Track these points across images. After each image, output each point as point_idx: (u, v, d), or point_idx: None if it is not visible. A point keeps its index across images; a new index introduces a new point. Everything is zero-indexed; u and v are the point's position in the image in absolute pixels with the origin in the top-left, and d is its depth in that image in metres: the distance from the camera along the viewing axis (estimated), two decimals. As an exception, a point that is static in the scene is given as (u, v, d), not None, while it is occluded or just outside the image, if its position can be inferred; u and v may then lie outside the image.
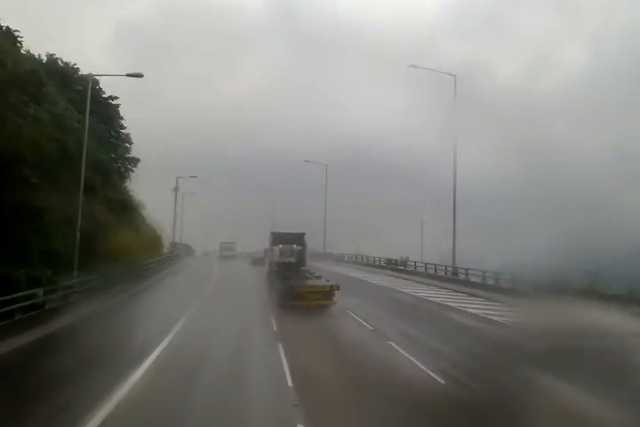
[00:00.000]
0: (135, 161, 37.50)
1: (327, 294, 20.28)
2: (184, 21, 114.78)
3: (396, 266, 42.88)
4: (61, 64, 30.71)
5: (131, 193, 35.39)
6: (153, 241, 38.80)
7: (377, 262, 46.37)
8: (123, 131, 36.23)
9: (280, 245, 26.95)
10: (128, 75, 23.06)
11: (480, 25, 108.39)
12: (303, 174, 61.56)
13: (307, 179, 60.78)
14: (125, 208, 31.69)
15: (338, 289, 20.51)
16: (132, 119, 37.68)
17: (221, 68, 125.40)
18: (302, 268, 26.19)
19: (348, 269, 41.73)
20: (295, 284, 20.96)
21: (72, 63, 30.92)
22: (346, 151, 77.57)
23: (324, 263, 41.41)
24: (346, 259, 54.54)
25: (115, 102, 34.36)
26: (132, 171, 37.15)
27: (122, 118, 35.69)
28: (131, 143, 37.00)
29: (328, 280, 22.20)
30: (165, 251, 50.53)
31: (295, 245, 26.92)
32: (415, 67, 32.55)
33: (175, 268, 43.55)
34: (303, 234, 28.07)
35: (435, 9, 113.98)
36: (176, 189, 52.55)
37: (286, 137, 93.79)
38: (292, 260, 26.65)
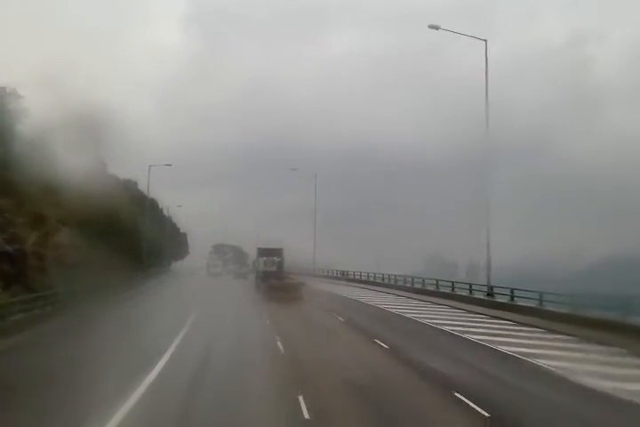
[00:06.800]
0: None
1: (295, 289, 29.32)
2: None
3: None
4: None
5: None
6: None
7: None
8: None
9: (264, 258, 36.29)
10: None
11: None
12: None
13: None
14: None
15: (304, 285, 29.67)
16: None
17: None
18: (281, 274, 35.40)
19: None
20: (272, 282, 30.14)
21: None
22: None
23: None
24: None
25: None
26: None
27: None
28: None
29: (297, 280, 31.41)
30: None
31: (276, 258, 36.27)
32: (437, 28, 24.35)
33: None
34: (282, 249, 37.44)
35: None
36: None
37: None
38: (274, 269, 35.97)
